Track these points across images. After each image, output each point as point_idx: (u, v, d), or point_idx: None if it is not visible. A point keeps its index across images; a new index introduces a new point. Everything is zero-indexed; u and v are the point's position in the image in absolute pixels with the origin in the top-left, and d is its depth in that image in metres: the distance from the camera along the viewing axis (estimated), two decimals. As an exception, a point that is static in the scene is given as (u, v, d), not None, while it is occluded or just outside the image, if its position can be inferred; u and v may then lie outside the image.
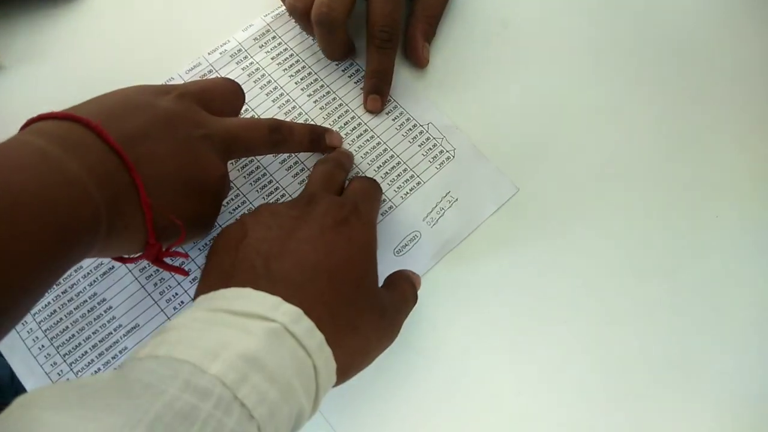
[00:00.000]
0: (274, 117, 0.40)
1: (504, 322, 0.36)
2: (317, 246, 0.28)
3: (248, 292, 0.25)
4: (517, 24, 0.43)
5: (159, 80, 0.40)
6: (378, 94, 0.39)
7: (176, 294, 0.36)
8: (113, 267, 0.36)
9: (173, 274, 0.35)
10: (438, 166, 0.39)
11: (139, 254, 0.30)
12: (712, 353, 0.36)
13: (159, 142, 0.29)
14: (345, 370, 0.27)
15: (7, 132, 0.37)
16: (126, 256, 0.31)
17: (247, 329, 0.23)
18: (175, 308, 0.36)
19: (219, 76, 0.41)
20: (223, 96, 0.34)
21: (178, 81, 0.40)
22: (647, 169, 0.40)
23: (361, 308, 0.28)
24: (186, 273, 0.32)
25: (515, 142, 0.40)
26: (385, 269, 0.36)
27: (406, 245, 0.37)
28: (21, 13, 0.42)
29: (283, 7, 0.43)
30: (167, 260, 0.31)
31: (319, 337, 0.25)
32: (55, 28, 0.42)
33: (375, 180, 0.37)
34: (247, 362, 0.22)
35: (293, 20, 0.42)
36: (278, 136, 0.34)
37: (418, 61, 0.41)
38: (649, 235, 0.38)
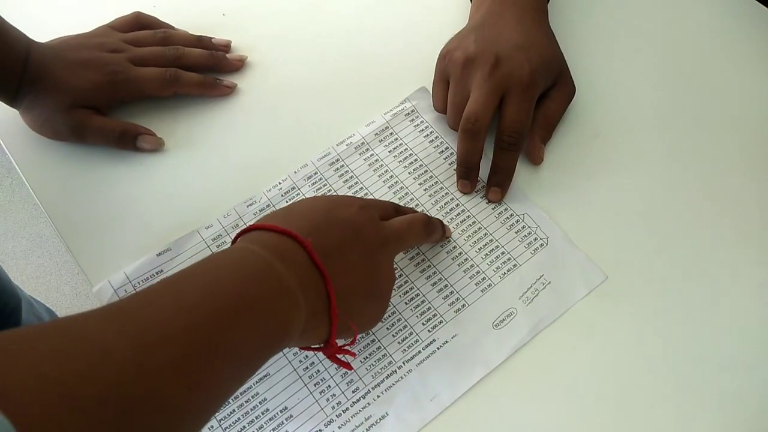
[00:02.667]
0: (391, 202, 0.46)
1: (590, 399, 0.39)
2: None
3: None
4: (605, 134, 0.49)
5: (295, 165, 0.48)
6: (499, 188, 0.45)
7: (323, 378, 0.40)
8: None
9: (339, 366, 0.40)
10: (532, 252, 0.44)
11: (318, 346, 0.35)
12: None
13: (349, 256, 0.35)
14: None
15: (167, 205, 0.46)
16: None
17: None
18: (322, 392, 0.40)
19: (345, 164, 0.48)
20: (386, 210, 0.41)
21: (311, 167, 0.48)
22: (731, 268, 0.43)
23: None
24: (351, 368, 0.38)
25: (605, 234, 0.45)
26: (484, 342, 0.41)
27: (504, 320, 0.42)
28: (183, 105, 0.51)
29: (401, 107, 0.50)
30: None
31: None
32: (211, 120, 0.51)
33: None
34: None
35: (409, 119, 0.50)
36: (431, 230, 0.41)
37: (534, 160, 0.47)
38: (730, 330, 0.41)
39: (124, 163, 0.49)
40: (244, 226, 0.37)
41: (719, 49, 0.53)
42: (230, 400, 0.40)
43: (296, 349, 0.41)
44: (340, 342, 0.37)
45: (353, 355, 0.39)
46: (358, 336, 0.41)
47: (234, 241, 0.35)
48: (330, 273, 0.33)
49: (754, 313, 0.42)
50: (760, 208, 0.45)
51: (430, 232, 0.41)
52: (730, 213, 0.45)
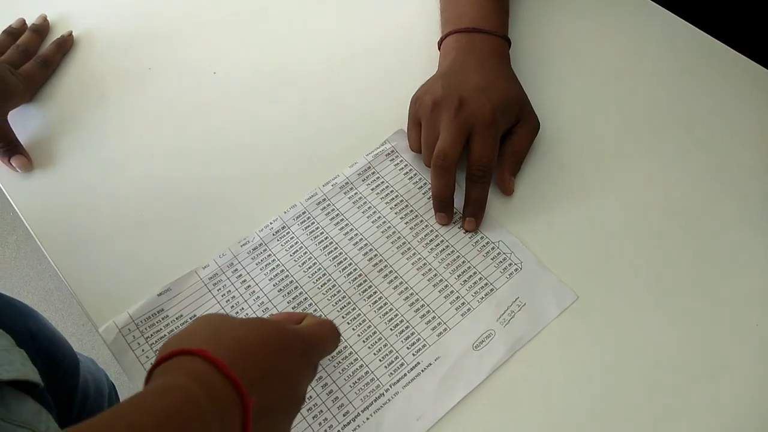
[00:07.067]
0: (373, 237, 0.50)
1: (566, 413, 0.42)
2: None
3: None
4: (570, 165, 0.53)
5: (285, 206, 0.51)
6: (473, 218, 0.49)
7: (316, 404, 0.43)
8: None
9: None
10: (508, 276, 0.47)
11: None
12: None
13: (280, 415, 0.34)
14: None
15: (166, 246, 0.47)
16: None
17: None
18: (314, 416, 0.43)
19: (331, 203, 0.51)
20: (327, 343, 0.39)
21: (300, 207, 0.51)
22: (693, 282, 0.46)
23: None
24: None
25: (574, 257, 0.48)
26: (465, 362, 0.44)
27: (483, 341, 0.45)
28: (182, 153, 0.55)
29: (381, 148, 0.54)
30: None
31: None
32: (207, 165, 0.55)
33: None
34: None
35: (389, 159, 0.54)
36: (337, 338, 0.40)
37: (505, 191, 0.51)
38: (696, 342, 0.44)
39: (123, 210, 0.52)
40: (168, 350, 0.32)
41: (674, 81, 0.57)
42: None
43: None
44: None
45: None
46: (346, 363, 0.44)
47: (173, 354, 0.31)
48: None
49: (720, 323, 0.44)
50: (722, 225, 0.49)
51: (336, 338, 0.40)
52: (691, 230, 0.48)
